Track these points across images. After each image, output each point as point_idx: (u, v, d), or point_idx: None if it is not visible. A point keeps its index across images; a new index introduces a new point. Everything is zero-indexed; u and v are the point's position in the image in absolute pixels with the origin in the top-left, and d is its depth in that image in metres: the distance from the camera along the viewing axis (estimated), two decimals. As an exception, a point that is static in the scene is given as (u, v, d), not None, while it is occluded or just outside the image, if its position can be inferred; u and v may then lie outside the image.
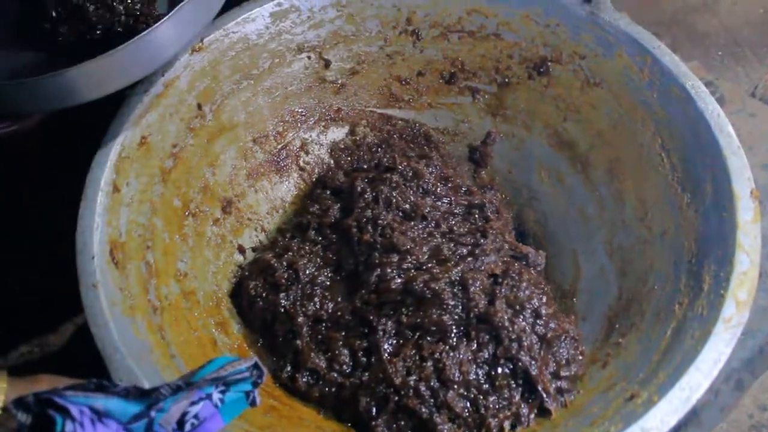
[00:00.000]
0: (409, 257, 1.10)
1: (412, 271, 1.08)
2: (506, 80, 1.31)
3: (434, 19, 1.29)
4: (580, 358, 1.04)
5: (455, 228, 1.17)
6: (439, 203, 1.21)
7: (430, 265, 1.10)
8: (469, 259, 1.11)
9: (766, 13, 1.93)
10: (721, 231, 0.96)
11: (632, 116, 1.16)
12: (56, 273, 1.25)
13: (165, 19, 0.90)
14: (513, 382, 1.00)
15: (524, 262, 1.15)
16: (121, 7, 1.00)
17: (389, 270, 1.08)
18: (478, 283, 1.06)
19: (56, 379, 0.71)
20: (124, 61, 0.90)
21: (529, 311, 1.04)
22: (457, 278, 1.06)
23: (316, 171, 1.33)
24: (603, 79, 1.20)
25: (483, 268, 1.09)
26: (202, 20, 0.98)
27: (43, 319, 1.30)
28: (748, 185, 0.97)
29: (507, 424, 0.97)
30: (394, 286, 1.06)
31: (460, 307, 1.04)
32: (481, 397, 0.98)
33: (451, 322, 1.02)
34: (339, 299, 1.10)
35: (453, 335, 1.02)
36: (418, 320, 1.03)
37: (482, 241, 1.15)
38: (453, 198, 1.22)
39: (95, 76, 0.89)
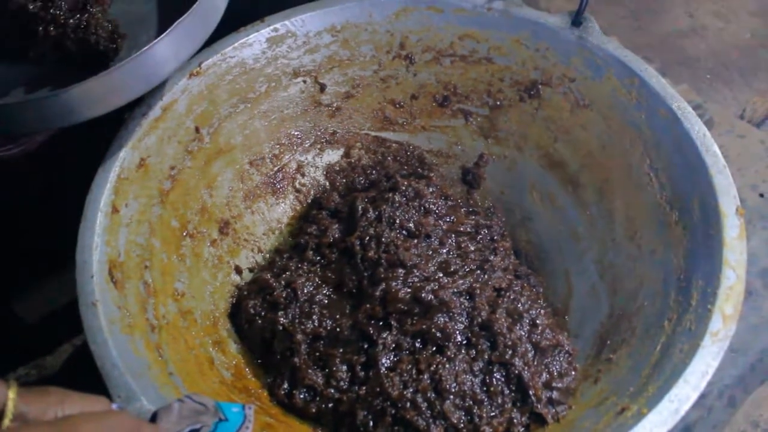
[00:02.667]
0: (415, 271, 1.12)
1: (419, 283, 1.11)
2: (498, 103, 1.33)
3: (427, 44, 1.32)
4: (573, 372, 1.06)
5: (462, 245, 1.20)
6: (441, 222, 1.23)
7: (437, 276, 1.13)
8: (478, 272, 1.15)
9: (753, 38, 1.97)
10: (708, 247, 0.98)
11: (621, 137, 1.18)
12: (56, 293, 1.27)
13: (163, 35, 0.92)
14: (506, 388, 1.02)
15: (525, 281, 1.19)
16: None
17: (394, 284, 1.10)
18: (485, 294, 1.10)
19: (64, 391, 0.72)
20: (125, 79, 0.92)
21: (526, 320, 1.08)
22: (465, 288, 1.10)
23: (312, 193, 1.35)
24: (592, 101, 1.22)
25: (490, 282, 1.13)
26: (199, 36, 1.00)
27: (41, 340, 1.31)
28: (734, 203, 0.99)
29: (501, 431, 0.99)
30: (401, 295, 1.08)
31: (465, 315, 1.07)
32: (476, 407, 1.00)
33: (455, 329, 1.05)
34: (338, 316, 1.12)
35: (455, 343, 1.04)
36: (424, 326, 1.05)
37: (492, 257, 1.19)
38: (454, 217, 1.25)
39: (97, 93, 0.90)
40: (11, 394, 0.67)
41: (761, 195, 1.54)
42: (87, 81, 0.88)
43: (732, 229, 0.97)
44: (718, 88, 1.84)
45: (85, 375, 0.89)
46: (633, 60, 1.17)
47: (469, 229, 1.25)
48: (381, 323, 1.08)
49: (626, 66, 1.17)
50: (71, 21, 1.00)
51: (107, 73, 0.89)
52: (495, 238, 1.26)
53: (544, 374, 1.04)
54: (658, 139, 1.12)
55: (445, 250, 1.19)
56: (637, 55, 1.19)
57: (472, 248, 1.22)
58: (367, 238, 1.17)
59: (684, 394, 0.84)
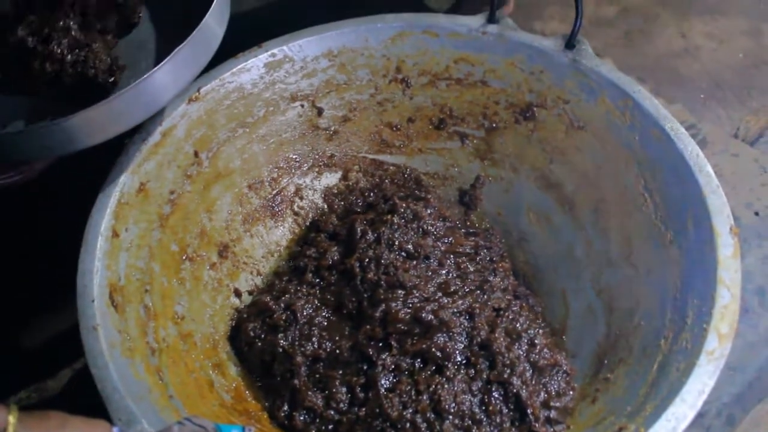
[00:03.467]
0: (415, 292, 1.13)
1: (419, 303, 1.11)
2: (494, 125, 1.34)
3: (423, 68, 1.33)
4: (571, 392, 1.06)
5: (462, 266, 1.21)
6: (440, 243, 1.24)
7: (437, 297, 1.14)
8: (478, 292, 1.16)
9: (745, 57, 1.98)
10: (702, 267, 0.99)
11: (615, 158, 1.19)
12: (57, 317, 1.28)
13: (162, 63, 0.93)
14: (504, 407, 1.03)
15: (524, 301, 1.20)
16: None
17: (394, 304, 1.11)
18: (485, 314, 1.11)
19: (64, 416, 0.73)
20: (124, 106, 0.93)
21: (525, 340, 1.09)
22: (465, 308, 1.11)
23: (310, 215, 1.36)
24: (587, 122, 1.23)
25: (489, 302, 1.14)
26: (198, 63, 1.01)
27: (42, 364, 1.32)
28: (728, 222, 1.00)
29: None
30: (401, 316, 1.09)
31: (465, 335, 1.08)
32: (475, 427, 1.00)
33: (455, 348, 1.06)
34: (337, 338, 1.13)
35: (454, 362, 1.05)
36: (424, 346, 1.05)
37: (491, 278, 1.20)
38: (452, 238, 1.26)
39: (97, 122, 0.92)
40: (11, 419, 0.68)
41: (756, 213, 1.54)
42: (87, 109, 0.89)
43: (726, 248, 0.98)
44: (711, 108, 1.85)
45: (85, 398, 0.90)
46: (626, 82, 1.18)
47: (468, 250, 1.26)
48: (381, 344, 1.08)
49: (619, 88, 1.18)
50: (69, 57, 1.01)
51: (107, 101, 0.90)
52: (494, 258, 1.27)
53: (542, 393, 1.04)
54: (652, 159, 1.13)
55: (444, 271, 1.20)
56: (630, 77, 1.20)
57: (472, 269, 1.23)
58: (367, 260, 1.18)
59: (681, 412, 0.85)
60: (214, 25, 1.02)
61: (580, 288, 1.21)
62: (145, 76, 0.92)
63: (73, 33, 1.02)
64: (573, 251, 1.25)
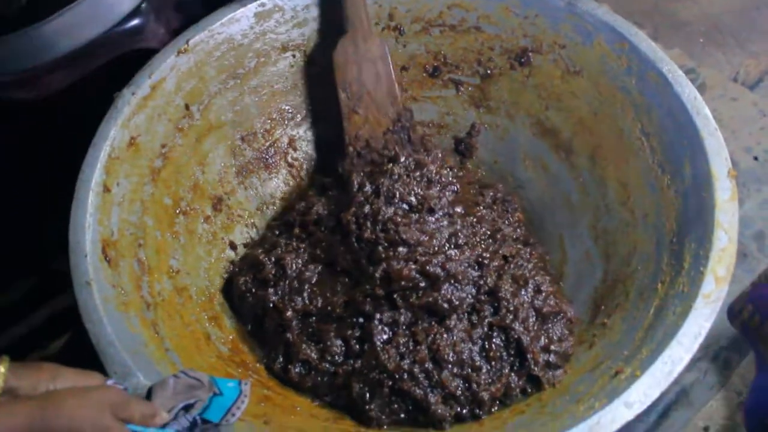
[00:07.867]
0: (419, 248, 1.09)
1: (425, 258, 1.07)
2: (488, 72, 1.33)
3: (416, 15, 1.31)
4: (572, 338, 1.06)
5: (478, 214, 1.20)
6: (446, 192, 1.19)
7: (444, 249, 1.10)
8: (489, 241, 1.16)
9: (746, 0, 1.95)
10: (700, 210, 0.98)
11: (612, 103, 1.18)
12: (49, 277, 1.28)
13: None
14: (505, 353, 1.03)
15: (533, 249, 1.20)
16: None
17: (395, 263, 1.06)
18: (495, 263, 1.09)
19: (57, 367, 0.73)
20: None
21: (531, 286, 1.08)
22: (474, 258, 1.09)
23: (305, 167, 1.35)
24: (583, 67, 1.22)
25: (500, 251, 1.13)
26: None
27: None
28: (725, 165, 0.99)
29: (499, 395, 1.00)
30: (406, 272, 1.05)
31: (472, 284, 1.07)
32: (474, 374, 1.00)
33: (463, 299, 1.05)
34: (328, 294, 1.11)
35: (460, 313, 1.05)
36: (431, 299, 1.04)
37: (504, 227, 1.20)
38: (459, 186, 1.22)
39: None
40: (2, 368, 0.68)
41: (755, 158, 1.53)
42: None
43: (723, 191, 0.97)
44: (711, 52, 1.82)
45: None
46: (623, 24, 1.16)
47: (488, 201, 1.24)
48: (381, 300, 1.06)
49: (616, 31, 1.16)
50: None
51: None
52: (509, 209, 1.26)
53: (543, 338, 1.04)
54: (648, 103, 1.11)
55: (450, 223, 1.15)
56: (627, 21, 1.18)
57: (487, 218, 1.21)
58: (363, 216, 1.13)
59: (677, 355, 0.84)
60: None
61: (578, 234, 1.21)
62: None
63: None
64: (570, 198, 1.24)
